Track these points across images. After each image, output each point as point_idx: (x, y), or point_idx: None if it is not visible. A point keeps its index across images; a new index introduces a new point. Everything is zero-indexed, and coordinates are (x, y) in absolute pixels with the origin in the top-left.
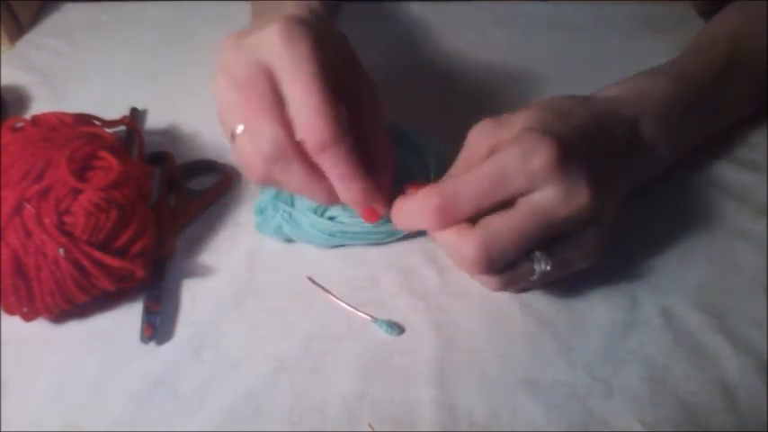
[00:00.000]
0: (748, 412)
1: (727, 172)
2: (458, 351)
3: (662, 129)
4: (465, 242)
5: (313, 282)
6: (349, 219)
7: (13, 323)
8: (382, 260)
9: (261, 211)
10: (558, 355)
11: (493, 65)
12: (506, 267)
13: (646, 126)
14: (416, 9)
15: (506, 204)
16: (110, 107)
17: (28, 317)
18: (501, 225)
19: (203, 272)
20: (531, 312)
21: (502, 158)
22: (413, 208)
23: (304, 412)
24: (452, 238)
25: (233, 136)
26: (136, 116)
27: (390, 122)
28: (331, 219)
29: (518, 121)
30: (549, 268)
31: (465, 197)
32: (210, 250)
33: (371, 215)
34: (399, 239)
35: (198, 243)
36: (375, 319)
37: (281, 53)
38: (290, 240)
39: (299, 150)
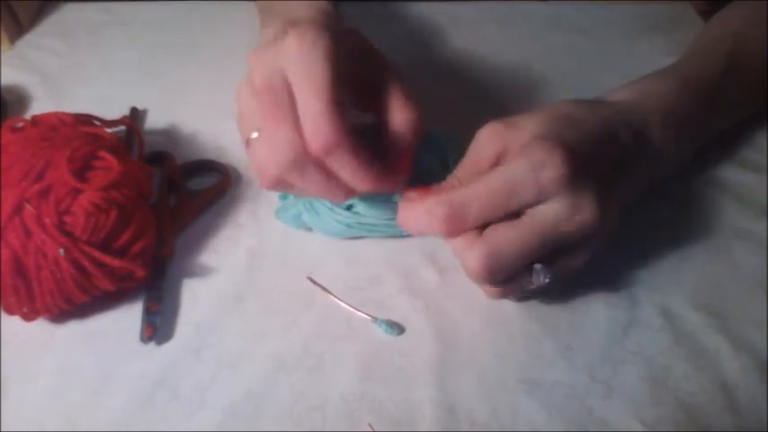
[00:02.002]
0: (748, 412)
1: (728, 172)
2: (458, 351)
3: (668, 131)
4: (470, 253)
5: (313, 282)
6: (366, 210)
7: (13, 323)
8: (382, 260)
9: (284, 197)
10: (558, 355)
11: (492, 65)
12: (507, 278)
13: (653, 130)
14: (416, 9)
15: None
16: (110, 107)
17: (28, 317)
18: (505, 239)
19: (203, 272)
20: (530, 312)
21: (511, 170)
22: (421, 214)
23: (304, 412)
24: (459, 246)
25: (248, 142)
26: (136, 116)
27: None
28: (348, 208)
29: (527, 126)
30: (547, 280)
31: (474, 208)
32: (210, 250)
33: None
34: (403, 237)
35: (198, 243)
36: (375, 319)
37: (296, 60)
38: (308, 229)
39: (313, 156)
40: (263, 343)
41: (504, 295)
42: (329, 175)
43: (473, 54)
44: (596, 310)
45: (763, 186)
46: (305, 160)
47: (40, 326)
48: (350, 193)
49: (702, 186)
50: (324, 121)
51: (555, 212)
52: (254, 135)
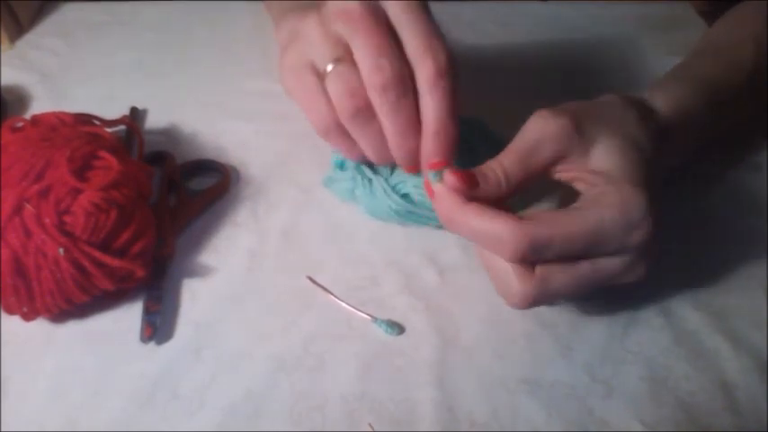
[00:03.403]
0: (748, 412)
1: (728, 172)
2: (458, 351)
3: (688, 145)
4: (521, 287)
5: (313, 282)
6: (420, 200)
7: (13, 323)
8: (382, 260)
9: (340, 166)
10: (558, 355)
11: (492, 65)
12: None
13: (677, 144)
14: None
15: None
16: (110, 107)
17: (28, 317)
18: (561, 284)
19: (203, 272)
20: (531, 313)
21: (606, 223)
22: (485, 230)
23: (304, 412)
24: (510, 272)
25: (323, 75)
26: (136, 116)
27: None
28: (404, 197)
29: (597, 142)
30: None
31: (554, 250)
32: (210, 250)
33: (440, 166)
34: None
35: (198, 243)
36: (375, 319)
37: None
38: (353, 202)
39: (411, 85)
40: (263, 343)
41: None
42: (410, 109)
43: (473, 54)
44: (596, 310)
45: (764, 186)
46: (407, 86)
47: (40, 326)
48: (408, 146)
49: (702, 186)
50: (443, 44)
51: (615, 266)
52: (330, 67)
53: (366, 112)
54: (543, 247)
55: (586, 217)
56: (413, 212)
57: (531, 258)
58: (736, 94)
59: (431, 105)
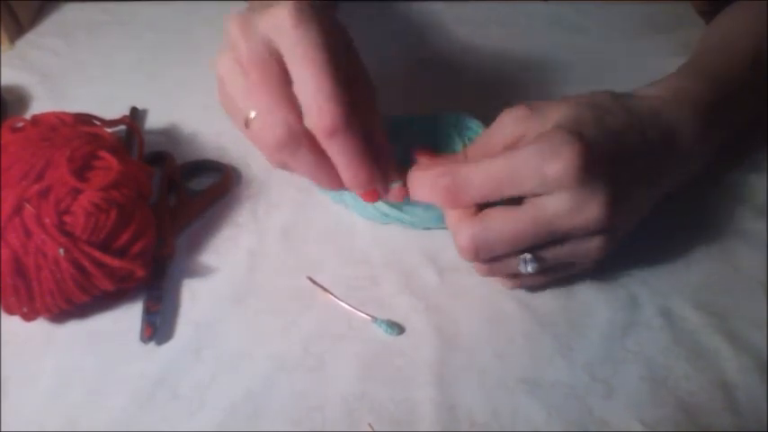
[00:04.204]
0: (748, 412)
1: (728, 172)
2: (458, 351)
3: (698, 132)
4: (462, 230)
5: (313, 282)
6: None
7: (13, 323)
8: (382, 260)
9: None
10: (558, 355)
11: (493, 65)
12: (495, 259)
13: (683, 130)
14: (415, 9)
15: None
16: (110, 107)
17: (28, 317)
18: (498, 223)
19: (203, 272)
20: (530, 312)
21: (518, 155)
22: (425, 181)
23: (304, 412)
24: (454, 219)
25: (246, 122)
26: (136, 116)
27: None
28: None
29: (551, 114)
30: (532, 271)
31: (475, 186)
32: (210, 250)
33: (371, 196)
34: (427, 230)
35: (198, 243)
36: (375, 319)
37: (292, 35)
38: (345, 206)
39: (308, 136)
40: (263, 343)
41: (491, 275)
42: (322, 159)
43: (474, 54)
44: (596, 310)
45: (764, 186)
46: (299, 141)
47: (40, 326)
48: (338, 183)
49: (702, 186)
50: (332, 101)
51: (555, 207)
52: (253, 114)
53: (282, 161)
54: (464, 182)
55: (502, 153)
56: (397, 210)
57: (458, 195)
58: (738, 89)
59: (334, 155)
